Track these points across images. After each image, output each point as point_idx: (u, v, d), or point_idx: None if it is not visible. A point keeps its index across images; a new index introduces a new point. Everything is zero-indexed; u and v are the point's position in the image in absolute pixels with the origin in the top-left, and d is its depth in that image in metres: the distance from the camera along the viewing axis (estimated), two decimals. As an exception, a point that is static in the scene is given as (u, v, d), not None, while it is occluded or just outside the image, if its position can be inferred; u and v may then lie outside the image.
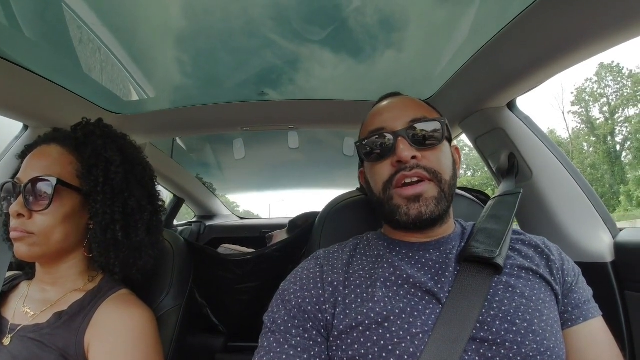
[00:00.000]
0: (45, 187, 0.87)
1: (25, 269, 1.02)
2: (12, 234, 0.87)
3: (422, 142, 0.81)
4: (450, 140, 0.89)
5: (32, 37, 1.15)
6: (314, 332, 0.74)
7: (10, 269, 1.02)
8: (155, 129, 1.82)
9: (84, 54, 1.26)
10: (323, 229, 1.13)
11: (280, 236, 2.01)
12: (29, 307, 0.91)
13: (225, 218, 3.30)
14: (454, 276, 0.76)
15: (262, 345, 0.75)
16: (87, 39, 1.21)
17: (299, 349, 0.72)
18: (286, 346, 0.72)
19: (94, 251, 0.94)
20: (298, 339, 0.73)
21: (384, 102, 0.92)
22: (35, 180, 0.87)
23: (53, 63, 1.26)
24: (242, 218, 3.45)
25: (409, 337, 0.68)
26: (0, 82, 1.14)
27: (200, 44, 1.29)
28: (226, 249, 2.05)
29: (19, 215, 0.86)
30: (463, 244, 0.84)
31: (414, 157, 0.79)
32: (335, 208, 1.16)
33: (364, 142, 0.87)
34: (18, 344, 0.84)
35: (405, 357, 0.66)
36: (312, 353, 0.72)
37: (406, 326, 0.69)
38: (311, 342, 0.73)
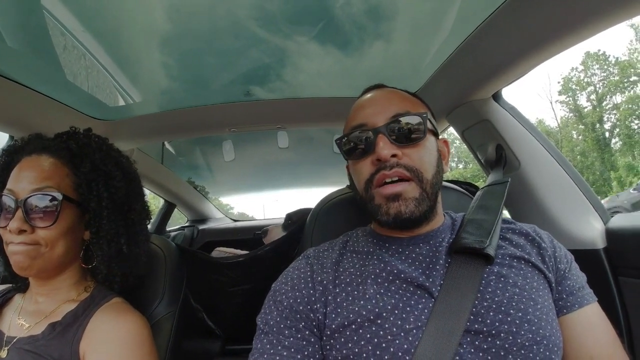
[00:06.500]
0: (50, 202, 0.85)
1: (17, 283, 0.99)
2: (13, 248, 0.83)
3: (404, 139, 0.78)
4: (436, 134, 0.86)
5: (14, 45, 1.14)
6: (307, 332, 0.74)
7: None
8: (143, 133, 1.80)
9: (68, 61, 1.25)
10: (314, 227, 1.13)
11: (276, 230, 2.00)
12: (23, 319, 0.90)
13: (218, 221, 3.29)
14: (444, 269, 0.76)
15: (255, 347, 0.75)
16: (70, 46, 1.19)
17: (293, 350, 0.71)
18: (279, 347, 0.72)
19: (97, 263, 0.93)
20: (291, 339, 0.73)
21: (367, 95, 0.89)
22: (37, 195, 0.84)
23: (37, 71, 1.25)
24: (235, 220, 3.44)
25: (402, 333, 0.68)
26: None
27: (186, 47, 1.28)
28: (220, 252, 2.03)
29: (21, 231, 0.83)
30: (453, 235, 0.83)
31: (394, 155, 0.77)
32: (327, 206, 1.16)
33: (344, 139, 0.85)
34: (14, 356, 0.83)
35: (400, 353, 0.66)
36: (306, 353, 0.72)
37: (399, 322, 0.69)
38: (304, 342, 0.73)
